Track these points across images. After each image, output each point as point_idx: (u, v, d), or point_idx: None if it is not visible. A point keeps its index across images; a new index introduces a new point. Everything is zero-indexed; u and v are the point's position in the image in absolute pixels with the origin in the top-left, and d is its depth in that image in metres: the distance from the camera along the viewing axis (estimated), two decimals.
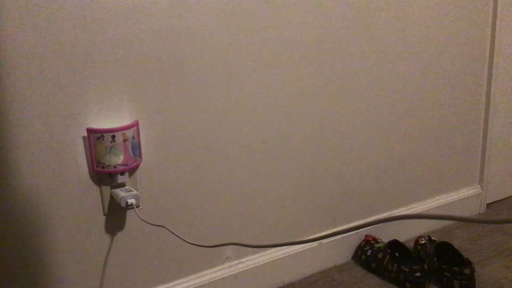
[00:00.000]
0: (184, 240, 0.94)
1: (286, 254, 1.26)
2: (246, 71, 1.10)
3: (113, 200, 0.99)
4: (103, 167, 0.94)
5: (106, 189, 0.98)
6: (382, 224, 1.40)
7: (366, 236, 1.39)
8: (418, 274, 1.21)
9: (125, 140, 0.94)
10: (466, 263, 1.22)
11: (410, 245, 1.43)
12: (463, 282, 1.19)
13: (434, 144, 1.50)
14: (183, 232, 1.10)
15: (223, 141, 1.11)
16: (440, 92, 1.46)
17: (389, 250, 1.30)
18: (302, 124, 1.21)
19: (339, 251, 1.36)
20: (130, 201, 0.96)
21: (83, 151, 0.94)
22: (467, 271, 1.19)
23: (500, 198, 1.76)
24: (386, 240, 1.37)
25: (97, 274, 1.01)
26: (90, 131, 0.92)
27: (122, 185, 0.99)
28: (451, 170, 1.57)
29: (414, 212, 1.49)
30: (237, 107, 1.11)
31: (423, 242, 1.39)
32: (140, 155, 0.99)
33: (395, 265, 1.25)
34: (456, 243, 1.44)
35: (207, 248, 1.13)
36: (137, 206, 0.98)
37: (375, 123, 1.34)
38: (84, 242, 0.98)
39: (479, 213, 1.68)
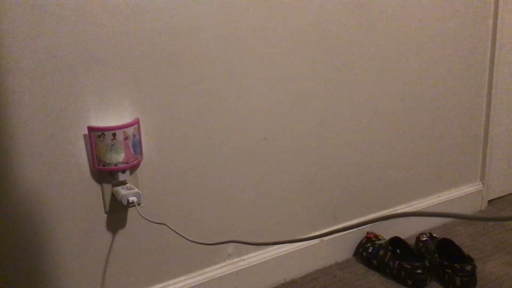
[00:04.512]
0: (185, 238, 0.94)
1: (288, 252, 1.26)
2: (247, 69, 1.10)
3: (114, 198, 0.99)
4: (104, 165, 0.94)
5: (107, 187, 0.98)
6: (383, 221, 1.40)
7: (367, 233, 1.39)
8: (419, 271, 1.21)
9: (126, 138, 0.94)
10: (468, 259, 1.21)
11: (412, 242, 1.43)
12: (465, 279, 1.19)
13: (435, 141, 1.50)
14: (184, 229, 1.10)
15: (224, 139, 1.11)
16: (442, 88, 1.45)
17: (390, 247, 1.30)
18: (303, 122, 1.21)
19: (340, 248, 1.36)
20: (131, 199, 0.96)
21: (84, 149, 0.94)
22: (468, 267, 1.19)
23: (502, 195, 1.76)
24: (387, 237, 1.37)
25: (98, 272, 1.02)
26: (90, 129, 0.92)
27: (123, 183, 0.99)
28: (453, 167, 1.57)
29: (415, 209, 1.49)
30: (238, 104, 1.10)
31: (424, 239, 1.38)
32: (141, 153, 0.99)
33: (397, 262, 1.25)
34: (458, 240, 1.44)
35: (208, 245, 1.13)
36: (138, 204, 0.98)
37: (376, 121, 1.34)
38: (85, 240, 0.98)
39: (480, 210, 1.68)
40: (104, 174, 0.97)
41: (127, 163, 0.95)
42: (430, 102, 1.44)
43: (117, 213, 1.01)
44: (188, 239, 0.93)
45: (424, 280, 1.22)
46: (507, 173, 1.74)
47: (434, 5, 1.36)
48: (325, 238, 1.32)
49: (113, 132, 0.92)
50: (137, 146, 0.97)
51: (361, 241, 1.39)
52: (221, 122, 1.09)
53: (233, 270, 1.18)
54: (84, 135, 0.94)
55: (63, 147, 0.92)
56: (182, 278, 1.12)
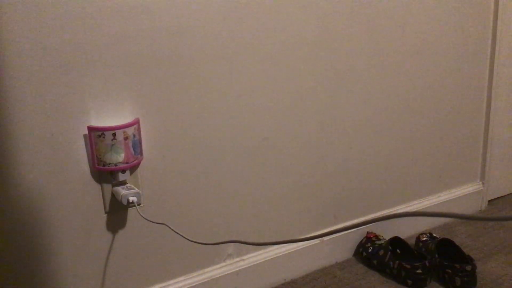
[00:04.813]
0: (185, 238, 0.94)
1: (288, 251, 1.26)
2: (247, 69, 1.10)
3: (114, 198, 0.99)
4: (104, 165, 0.94)
5: (107, 187, 0.98)
6: (383, 221, 1.40)
7: (367, 233, 1.39)
8: (419, 271, 1.21)
9: (126, 138, 0.94)
10: (468, 259, 1.21)
11: (412, 242, 1.43)
12: (465, 278, 1.19)
13: (436, 141, 1.50)
14: (184, 229, 1.10)
15: (224, 139, 1.11)
16: (442, 88, 1.45)
17: (390, 247, 1.30)
18: (303, 122, 1.21)
19: (340, 248, 1.36)
20: (131, 199, 0.96)
21: (84, 149, 0.94)
22: (468, 267, 1.19)
23: (502, 195, 1.76)
24: (387, 237, 1.37)
25: (98, 272, 1.02)
26: (91, 129, 0.92)
27: (123, 183, 0.99)
28: (453, 167, 1.57)
29: (416, 209, 1.49)
30: (238, 104, 1.10)
31: (424, 239, 1.39)
32: (141, 153, 0.99)
33: (397, 262, 1.25)
34: (458, 240, 1.44)
35: (208, 245, 1.13)
36: (138, 204, 0.98)
37: (376, 120, 1.34)
38: (85, 240, 0.99)
39: (480, 210, 1.68)
40: (104, 174, 0.97)
41: (127, 163, 0.95)
42: (430, 102, 1.44)
43: (117, 213, 1.01)
44: (188, 239, 0.93)
45: (424, 280, 1.22)
46: (507, 173, 1.74)
47: (434, 5, 1.36)
48: (325, 238, 1.32)
49: (113, 132, 0.92)
50: (137, 146, 0.97)
51: (361, 241, 1.39)
52: (221, 122, 1.09)
53: (233, 270, 1.18)
54: (84, 135, 0.94)
55: (63, 147, 0.92)
56: (182, 278, 1.12)
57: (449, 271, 1.21)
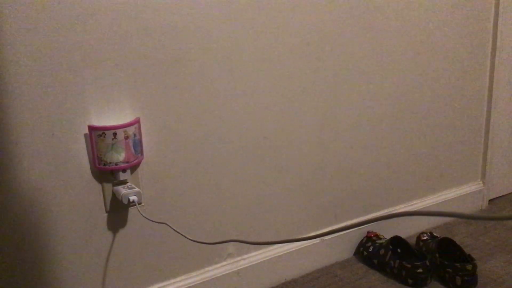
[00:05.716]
0: (186, 237, 0.94)
1: (288, 251, 1.26)
2: (247, 68, 1.10)
3: (115, 198, 0.99)
4: (104, 165, 0.94)
5: (108, 187, 0.98)
6: (384, 220, 1.40)
7: (368, 232, 1.39)
8: (420, 270, 1.21)
9: (126, 138, 0.94)
10: (468, 259, 1.21)
11: (412, 241, 1.43)
12: (465, 278, 1.19)
13: (436, 140, 1.49)
14: (185, 229, 1.10)
15: (224, 138, 1.11)
16: (442, 88, 1.45)
17: (391, 246, 1.30)
18: (304, 121, 1.21)
19: (341, 248, 1.36)
20: (132, 198, 0.96)
21: (84, 149, 0.94)
22: (469, 267, 1.19)
23: (502, 194, 1.76)
24: (388, 236, 1.37)
25: (99, 271, 1.02)
26: (91, 128, 0.92)
27: (123, 182, 0.99)
28: (453, 166, 1.57)
29: (416, 209, 1.49)
30: (238, 104, 1.10)
31: (425, 238, 1.38)
32: (141, 153, 0.99)
33: (397, 261, 1.25)
34: (458, 239, 1.44)
35: (209, 245, 1.13)
36: (139, 203, 0.98)
37: (377, 120, 1.34)
38: (86, 240, 0.99)
39: (481, 209, 1.68)
40: (105, 173, 0.97)
41: (127, 162, 0.96)
42: (431, 102, 1.44)
43: (117, 213, 1.01)
44: (188, 238, 0.93)
45: (424, 279, 1.22)
46: (507, 172, 1.74)
47: (434, 5, 1.36)
48: (326, 237, 1.32)
49: (113, 131, 0.92)
50: (137, 145, 0.97)
51: (362, 240, 1.39)
52: (221, 122, 1.09)
53: (234, 270, 1.18)
54: (85, 135, 0.94)
55: (64, 146, 0.92)
56: (182, 277, 1.13)
57: (450, 270, 1.21)
